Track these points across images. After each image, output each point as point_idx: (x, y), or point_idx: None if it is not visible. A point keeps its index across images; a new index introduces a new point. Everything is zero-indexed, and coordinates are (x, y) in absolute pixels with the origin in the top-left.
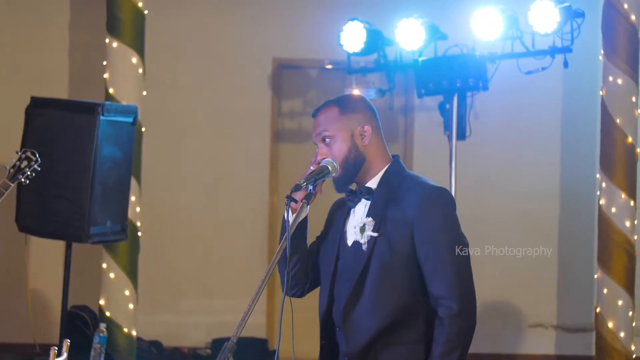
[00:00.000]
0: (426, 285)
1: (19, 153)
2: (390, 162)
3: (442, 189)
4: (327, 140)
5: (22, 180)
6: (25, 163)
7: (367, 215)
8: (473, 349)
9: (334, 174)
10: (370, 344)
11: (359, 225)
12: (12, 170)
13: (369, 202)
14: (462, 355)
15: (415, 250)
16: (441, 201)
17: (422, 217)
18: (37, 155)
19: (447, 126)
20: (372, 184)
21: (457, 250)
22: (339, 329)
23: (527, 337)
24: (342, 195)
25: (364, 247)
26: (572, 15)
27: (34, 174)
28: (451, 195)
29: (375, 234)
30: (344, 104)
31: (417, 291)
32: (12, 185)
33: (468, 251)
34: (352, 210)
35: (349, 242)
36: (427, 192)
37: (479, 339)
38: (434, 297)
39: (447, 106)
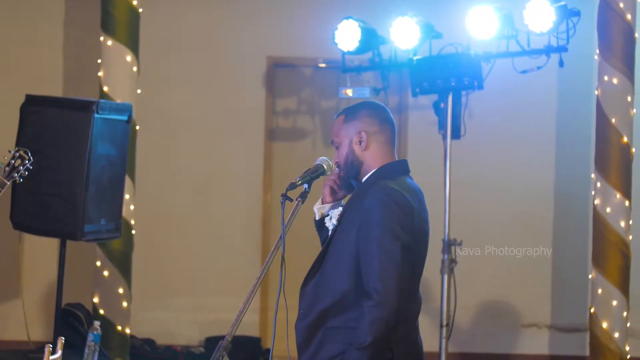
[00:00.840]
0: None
1: (12, 152)
2: (381, 165)
3: (389, 188)
4: (336, 146)
5: (17, 178)
6: (19, 162)
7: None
8: (466, 348)
9: (328, 173)
10: (312, 321)
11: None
12: (6, 168)
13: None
14: (375, 342)
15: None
16: (382, 199)
17: (364, 214)
18: (30, 154)
19: (441, 125)
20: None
21: (388, 245)
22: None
23: (521, 337)
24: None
25: (329, 233)
26: (568, 14)
27: (27, 173)
28: (399, 196)
29: (335, 224)
30: (349, 112)
31: (358, 281)
32: (8, 183)
33: (397, 247)
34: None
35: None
36: (375, 191)
37: (473, 338)
38: (364, 288)
39: (442, 105)
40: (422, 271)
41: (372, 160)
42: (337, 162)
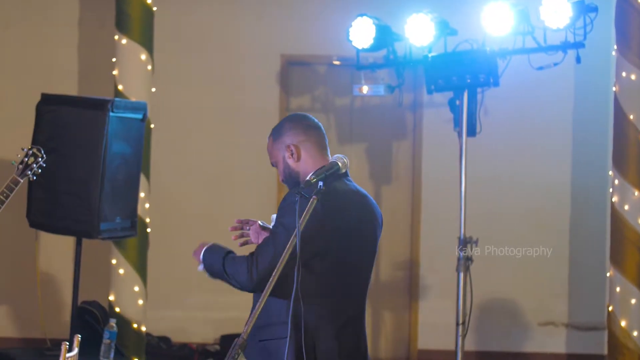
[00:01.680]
0: None
1: (25, 150)
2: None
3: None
4: (274, 165)
5: (30, 176)
6: (32, 159)
7: None
8: (483, 346)
9: (343, 170)
10: None
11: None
12: (20, 166)
13: None
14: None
15: None
16: (282, 204)
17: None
18: (43, 152)
19: (457, 123)
20: None
21: (279, 235)
22: None
23: (538, 336)
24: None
25: None
26: (585, 9)
27: (40, 170)
28: (290, 196)
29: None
30: (275, 131)
31: None
32: (21, 181)
33: (280, 232)
34: None
35: None
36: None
37: (489, 336)
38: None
39: (457, 102)
40: (357, 271)
41: (306, 168)
42: (282, 179)
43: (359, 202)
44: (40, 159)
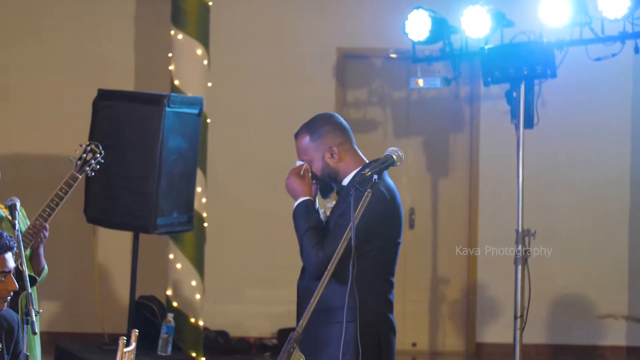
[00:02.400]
0: None
1: (83, 146)
2: (361, 166)
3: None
4: (307, 160)
5: (88, 172)
6: (90, 155)
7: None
8: (541, 339)
9: (398, 163)
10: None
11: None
12: (78, 162)
13: None
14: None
15: None
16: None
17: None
18: (101, 148)
19: (514, 115)
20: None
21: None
22: None
23: (597, 328)
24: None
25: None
26: None
27: (98, 166)
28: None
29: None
30: (312, 130)
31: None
32: (80, 177)
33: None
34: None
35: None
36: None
37: (548, 329)
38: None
39: (514, 94)
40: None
41: (346, 167)
42: (310, 170)
43: (397, 195)
44: (98, 155)
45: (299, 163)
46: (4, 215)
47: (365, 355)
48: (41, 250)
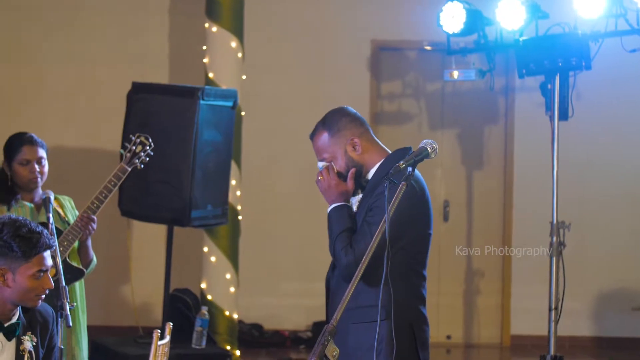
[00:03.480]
0: None
1: (133, 138)
2: (385, 158)
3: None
4: (328, 160)
5: (138, 164)
6: (139, 147)
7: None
8: (576, 331)
9: (432, 156)
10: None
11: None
12: (127, 155)
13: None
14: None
15: None
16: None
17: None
18: (151, 140)
19: (548, 107)
20: (369, 176)
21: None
22: None
23: (632, 320)
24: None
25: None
26: None
27: (147, 158)
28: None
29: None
30: (330, 126)
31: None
32: (129, 169)
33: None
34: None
35: None
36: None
37: (582, 321)
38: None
39: (549, 86)
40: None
41: (371, 159)
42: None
43: (426, 187)
44: (148, 147)
45: (321, 165)
46: (55, 206)
47: (401, 352)
48: (89, 242)
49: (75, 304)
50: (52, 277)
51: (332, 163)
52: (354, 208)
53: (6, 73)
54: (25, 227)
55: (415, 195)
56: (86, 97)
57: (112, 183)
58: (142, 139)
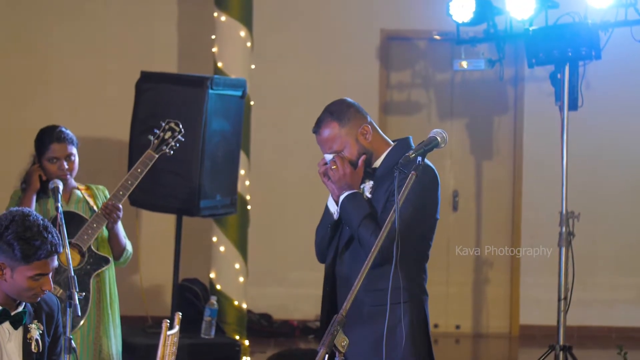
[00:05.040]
0: None
1: (163, 124)
2: (392, 147)
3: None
4: (339, 151)
5: (167, 151)
6: (169, 134)
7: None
8: (585, 321)
9: (442, 145)
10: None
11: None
12: (156, 141)
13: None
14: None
15: None
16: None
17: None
18: (181, 126)
19: (558, 96)
20: (377, 164)
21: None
22: None
23: None
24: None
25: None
26: None
27: (177, 145)
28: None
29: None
30: (338, 117)
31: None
32: (157, 156)
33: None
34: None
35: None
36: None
37: (591, 311)
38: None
39: (559, 76)
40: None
41: (379, 147)
42: (335, 162)
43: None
44: (177, 133)
45: (328, 157)
46: (81, 196)
47: (413, 331)
48: (119, 230)
49: (84, 293)
50: (63, 266)
51: (343, 152)
52: (367, 194)
53: (15, 62)
54: (32, 229)
55: (437, 180)
56: (95, 86)
57: (139, 170)
58: (172, 124)
